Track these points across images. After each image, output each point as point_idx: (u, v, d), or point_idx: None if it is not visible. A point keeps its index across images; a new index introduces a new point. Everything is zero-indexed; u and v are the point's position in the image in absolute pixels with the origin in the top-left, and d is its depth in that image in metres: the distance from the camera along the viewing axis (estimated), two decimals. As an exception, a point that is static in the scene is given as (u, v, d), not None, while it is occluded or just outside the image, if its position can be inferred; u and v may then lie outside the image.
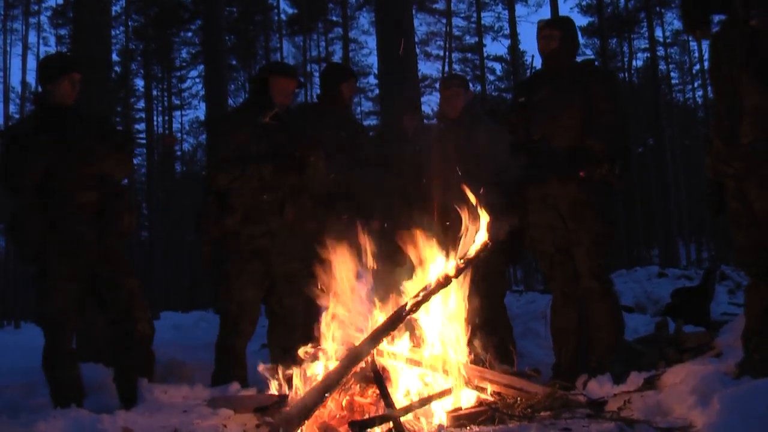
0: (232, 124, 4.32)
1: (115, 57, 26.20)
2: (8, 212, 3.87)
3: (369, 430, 2.58)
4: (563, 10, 24.28)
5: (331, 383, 2.79)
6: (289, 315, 4.17)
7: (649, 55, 27.39)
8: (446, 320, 3.28)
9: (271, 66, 4.73)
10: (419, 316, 3.21)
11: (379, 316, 3.17)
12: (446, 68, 24.78)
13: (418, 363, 3.10)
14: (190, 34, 28.37)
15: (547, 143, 3.96)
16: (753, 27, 2.98)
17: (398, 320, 3.01)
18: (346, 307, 3.27)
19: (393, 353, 3.08)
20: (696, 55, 29.93)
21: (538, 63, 4.40)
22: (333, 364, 2.98)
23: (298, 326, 4.14)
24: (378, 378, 2.80)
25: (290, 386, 3.14)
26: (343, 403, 2.90)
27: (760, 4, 2.89)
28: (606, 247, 3.89)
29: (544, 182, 3.96)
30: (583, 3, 28.28)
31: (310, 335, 4.33)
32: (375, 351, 2.94)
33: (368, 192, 4.39)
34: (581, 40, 4.25)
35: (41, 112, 3.87)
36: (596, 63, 4.54)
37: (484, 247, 3.15)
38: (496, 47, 41.79)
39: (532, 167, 4.01)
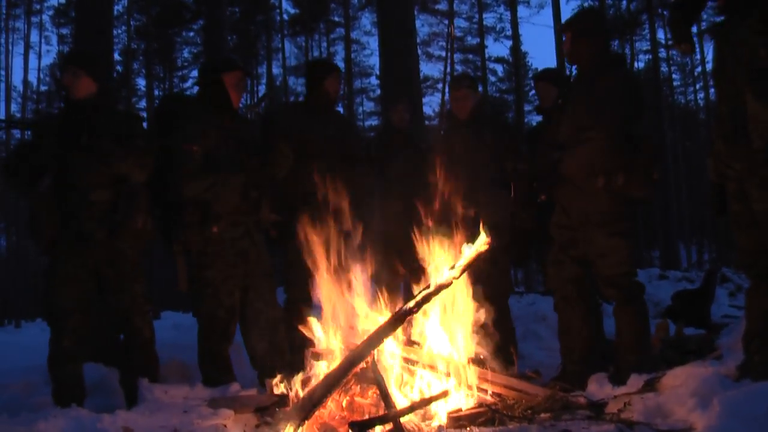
0: (199, 127, 4.01)
1: (116, 56, 26.21)
2: (27, 206, 3.92)
3: (369, 430, 2.58)
4: (565, 12, 24.37)
5: (332, 383, 2.79)
6: (273, 311, 4.14)
7: (650, 56, 27.34)
8: (448, 321, 3.28)
9: (222, 62, 4.55)
10: (421, 316, 3.21)
11: (381, 316, 3.17)
12: (448, 69, 24.80)
13: (418, 364, 3.10)
14: (191, 33, 28.42)
15: (563, 148, 3.85)
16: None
17: (400, 320, 3.01)
18: (344, 307, 3.28)
19: (394, 354, 3.08)
20: (698, 57, 29.89)
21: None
22: (334, 364, 2.98)
23: (280, 323, 4.14)
24: (378, 378, 2.80)
25: (290, 386, 3.14)
26: (344, 404, 2.90)
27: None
28: (615, 258, 3.68)
29: (561, 186, 3.90)
30: (585, 5, 28.25)
31: (294, 332, 4.34)
32: (376, 351, 2.94)
33: (359, 191, 4.33)
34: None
35: (66, 107, 3.95)
36: (621, 61, 4.13)
37: (485, 248, 3.14)
38: (498, 48, 41.89)
39: (557, 171, 3.91)
